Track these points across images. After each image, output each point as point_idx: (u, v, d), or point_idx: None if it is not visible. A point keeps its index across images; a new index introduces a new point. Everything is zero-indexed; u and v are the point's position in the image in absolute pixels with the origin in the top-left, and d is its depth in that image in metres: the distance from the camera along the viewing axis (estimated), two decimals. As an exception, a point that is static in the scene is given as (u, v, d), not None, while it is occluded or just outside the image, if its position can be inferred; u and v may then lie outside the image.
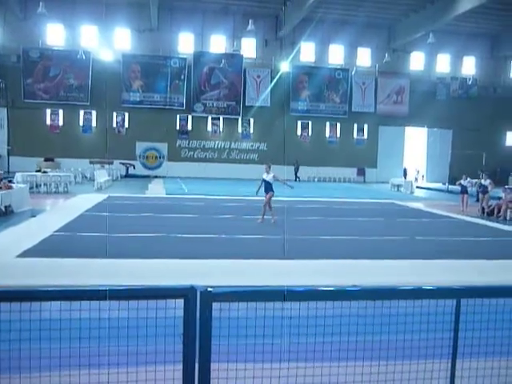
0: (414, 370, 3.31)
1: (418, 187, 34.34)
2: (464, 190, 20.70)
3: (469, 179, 21.31)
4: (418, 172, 43.70)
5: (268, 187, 14.59)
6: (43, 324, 2.93)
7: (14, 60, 36.80)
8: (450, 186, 32.48)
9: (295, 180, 38.52)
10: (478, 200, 21.11)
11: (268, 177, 14.64)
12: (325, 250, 10.93)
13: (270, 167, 14.83)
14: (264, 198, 14.77)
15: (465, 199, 20.51)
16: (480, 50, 43.80)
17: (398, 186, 32.86)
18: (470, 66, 44.62)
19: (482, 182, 20.11)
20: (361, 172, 42.93)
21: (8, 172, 29.41)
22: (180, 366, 2.92)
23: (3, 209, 15.10)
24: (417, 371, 3.31)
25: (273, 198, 14.81)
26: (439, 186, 36.28)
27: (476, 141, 40.85)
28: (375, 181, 41.85)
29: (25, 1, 36.35)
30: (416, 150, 44.70)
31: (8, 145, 33.44)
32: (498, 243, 13.04)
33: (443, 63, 44.13)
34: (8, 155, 33.29)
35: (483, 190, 19.77)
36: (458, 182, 21.35)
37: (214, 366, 2.93)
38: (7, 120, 33.08)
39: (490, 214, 19.09)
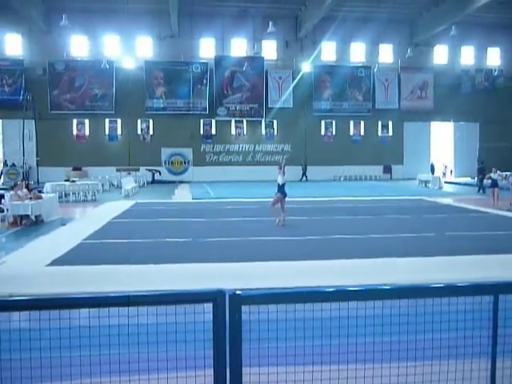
0: (453, 370, 3.19)
1: (446, 182, 33.76)
2: (494, 184, 20.26)
3: (499, 172, 20.85)
4: (446, 167, 42.98)
5: (279, 189, 14.40)
6: (72, 331, 2.93)
7: (40, 73, 37.50)
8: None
9: (301, 180, 38.39)
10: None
11: (280, 179, 14.43)
12: (353, 249, 10.79)
13: (282, 169, 14.58)
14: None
15: (495, 193, 20.07)
16: (504, 41, 42.79)
17: (426, 181, 32.35)
18: (494, 57, 43.67)
19: (513, 174, 19.65)
20: (387, 169, 42.42)
21: (38, 182, 29.95)
22: (211, 371, 2.88)
23: (34, 218, 15.36)
24: (455, 371, 3.19)
25: (294, 199, 14.65)
26: (468, 180, 35.59)
27: (504, 133, 39.96)
28: (402, 178, 41.28)
29: (48, 14, 37.00)
30: (443, 144, 43.96)
31: (37, 156, 34.00)
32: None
33: (467, 55, 43.31)
34: (37, 166, 33.86)
35: (514, 182, 19.33)
36: (487, 176, 20.87)
37: (245, 370, 2.88)
38: (35, 132, 33.65)
39: (522, 208, 18.64)
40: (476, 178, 29.14)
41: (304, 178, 39.08)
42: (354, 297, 3.04)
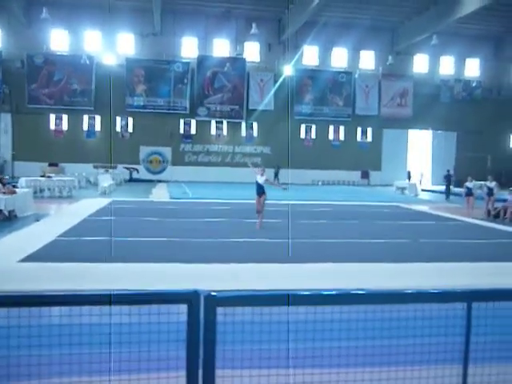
0: (425, 376, 3.22)
1: (422, 190, 34.18)
2: (469, 193, 20.56)
3: (474, 181, 21.17)
4: (423, 175, 43.54)
5: (260, 190, 14.44)
6: (44, 330, 2.86)
7: (19, 65, 36.90)
8: (455, 189, 32.29)
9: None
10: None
11: (261, 179, 14.47)
12: (329, 253, 10.83)
13: (264, 170, 14.69)
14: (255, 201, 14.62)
15: (470, 201, 20.37)
16: (484, 52, 43.64)
17: (403, 188, 32.70)
18: (473, 68, 44.47)
19: (488, 184, 19.96)
20: (365, 175, 42.83)
21: (12, 177, 29.46)
22: (184, 373, 2.84)
23: (7, 213, 15.08)
24: (427, 377, 3.21)
25: (270, 201, 14.73)
26: (444, 188, 36.01)
27: (480, 143, 40.70)
28: (379, 183, 41.71)
29: (28, 6, 36.45)
30: (420, 152, 44.54)
31: (12, 150, 33.51)
32: (505, 245, 12.90)
33: (447, 65, 44.00)
34: (12, 160, 33.36)
35: (489, 192, 19.64)
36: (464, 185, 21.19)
37: (218, 372, 2.85)
38: (11, 125, 33.15)
39: (496, 217, 18.97)
40: (445, 185, 30.33)
41: (276, 180, 39.11)
42: (328, 301, 3.03)
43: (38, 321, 2.80)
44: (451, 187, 29.91)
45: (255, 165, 15.17)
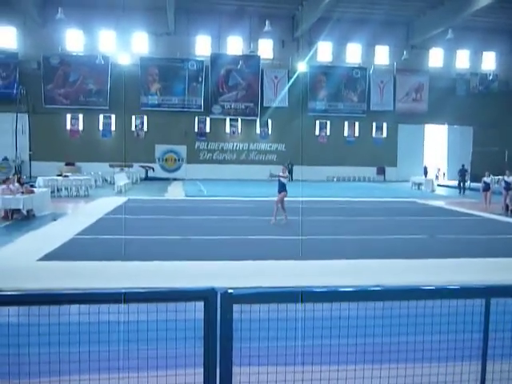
0: (443, 373, 3.19)
1: (439, 185, 33.88)
2: (487, 187, 20.34)
3: (491, 176, 20.93)
4: (439, 170, 43.14)
5: (281, 187, 14.60)
6: (63, 328, 2.90)
7: (35, 66, 37.26)
8: (471, 184, 31.97)
9: (289, 180, 38.29)
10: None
11: (282, 178, 14.77)
12: (345, 250, 10.80)
13: (285, 168, 15.08)
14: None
15: (488, 196, 20.16)
16: (500, 45, 43.04)
17: (419, 184, 32.43)
18: (490, 62, 43.87)
19: (506, 178, 19.72)
20: (380, 171, 42.55)
21: (30, 177, 29.79)
22: (201, 370, 2.86)
23: (25, 213, 15.27)
24: (445, 374, 3.19)
25: (289, 198, 14.93)
26: (457, 183, 35.66)
27: (497, 137, 40.13)
28: (395, 179, 41.41)
29: (43, 7, 36.77)
30: (436, 147, 44.11)
31: (30, 150, 33.85)
32: (524, 241, 12.74)
33: (463, 59, 43.48)
34: (30, 160, 33.70)
35: (507, 186, 19.40)
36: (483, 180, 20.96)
37: (235, 369, 2.86)
38: (28, 126, 33.47)
39: (514, 212, 18.74)
40: (458, 180, 30.58)
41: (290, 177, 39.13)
42: (345, 298, 3.03)
43: (57, 319, 2.83)
44: (466, 182, 29.79)
45: (272, 175, 15.62)
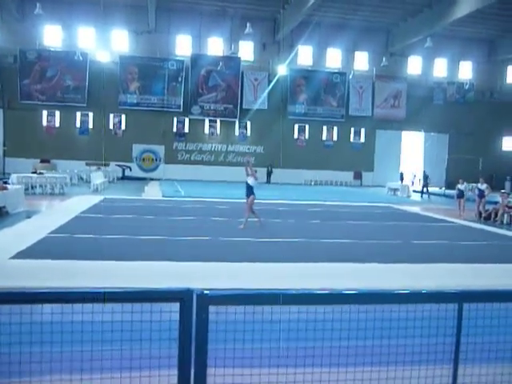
0: (416, 376, 3.23)
1: (414, 191, 34.33)
2: (461, 195, 20.68)
3: (465, 183, 21.29)
4: (415, 176, 43.71)
5: (248, 191, 14.30)
6: (35, 327, 2.85)
7: (11, 61, 36.66)
8: (446, 191, 32.51)
9: (267, 182, 38.64)
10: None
11: (250, 180, 14.40)
12: (320, 254, 10.85)
13: (255, 170, 14.67)
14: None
15: (461, 203, 20.49)
16: (477, 55, 43.91)
17: (395, 189, 32.81)
18: (466, 71, 44.68)
19: (479, 186, 20.08)
20: (357, 175, 42.95)
21: (3, 173, 29.28)
22: (175, 371, 2.84)
23: (-2, 210, 14.99)
24: (418, 377, 3.23)
25: (261, 201, 14.63)
26: (436, 190, 36.28)
27: (472, 145, 40.94)
28: (372, 184, 41.85)
29: (22, 1, 36.23)
30: (413, 154, 44.72)
31: (4, 146, 33.27)
32: (496, 247, 12.99)
33: (440, 67, 44.21)
34: (3, 156, 33.13)
35: (480, 194, 19.75)
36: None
37: (210, 370, 2.85)
38: (3, 121, 32.92)
39: (486, 219, 19.09)
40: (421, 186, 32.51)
41: (269, 181, 39.36)
42: (320, 300, 3.04)
43: (29, 318, 2.78)
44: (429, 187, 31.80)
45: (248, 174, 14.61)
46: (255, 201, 14.34)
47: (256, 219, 14.39)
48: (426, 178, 31.63)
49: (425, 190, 31.57)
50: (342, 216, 18.59)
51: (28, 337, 2.81)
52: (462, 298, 3.14)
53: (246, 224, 14.14)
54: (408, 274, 8.98)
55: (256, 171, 14.88)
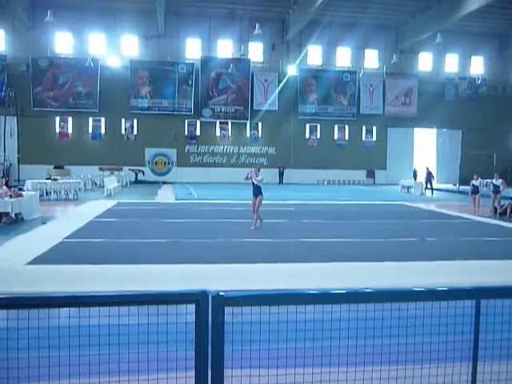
0: (434, 374, 3.20)
1: (428, 188, 34.06)
2: (475, 191, 20.49)
3: (480, 179, 21.09)
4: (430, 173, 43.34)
5: (257, 191, 14.31)
6: (53, 331, 2.87)
7: (23, 69, 37.01)
8: (460, 187, 32.23)
9: (279, 183, 38.76)
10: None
11: (256, 180, 14.39)
12: (335, 253, 10.81)
13: (259, 170, 14.65)
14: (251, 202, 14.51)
15: (476, 199, 20.30)
16: (488, 50, 43.49)
17: (408, 187, 32.61)
18: (478, 66, 44.28)
19: (494, 181, 19.87)
20: (370, 174, 42.74)
21: (18, 180, 29.56)
22: (192, 373, 2.84)
23: (14, 216, 15.13)
24: (436, 375, 3.20)
25: (275, 202, 14.63)
26: (450, 186, 36.00)
27: (486, 141, 40.53)
28: (385, 183, 41.63)
29: (33, 10, 36.60)
30: (426, 151, 44.40)
31: (18, 153, 33.57)
32: (512, 243, 12.85)
33: (451, 63, 43.85)
34: (18, 163, 33.42)
35: (495, 189, 19.55)
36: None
37: (227, 372, 2.85)
38: (17, 128, 33.23)
39: (502, 214, 18.87)
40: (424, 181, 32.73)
41: (281, 182, 39.41)
42: (337, 299, 3.03)
43: (46, 322, 2.81)
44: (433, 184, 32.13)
45: (247, 178, 14.59)
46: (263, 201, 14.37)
47: (258, 220, 14.32)
48: (429, 174, 31.87)
49: (428, 186, 31.54)
50: (356, 215, 18.51)
51: (45, 341, 2.83)
52: (479, 294, 3.11)
53: (256, 223, 14.14)
54: (424, 272, 8.90)
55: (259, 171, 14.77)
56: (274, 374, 3.05)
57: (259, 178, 14.16)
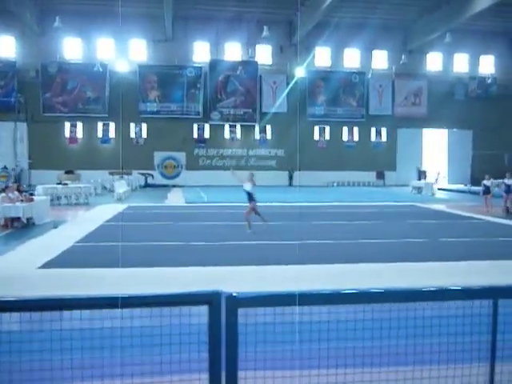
0: (451, 375, 3.15)
1: (439, 189, 33.87)
2: (487, 191, 20.33)
3: (491, 179, 20.92)
4: (439, 174, 43.09)
5: (249, 197, 14.15)
6: (65, 334, 2.85)
7: (33, 75, 37.29)
8: (472, 187, 31.99)
9: (289, 185, 38.68)
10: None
11: (247, 186, 14.23)
12: (348, 254, 10.75)
13: (252, 175, 14.55)
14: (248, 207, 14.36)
15: (488, 199, 20.14)
16: (498, 48, 43.11)
17: (419, 188, 32.42)
18: (488, 65, 43.94)
19: (506, 181, 19.70)
20: (380, 175, 42.53)
21: (29, 185, 29.76)
22: (206, 375, 2.81)
23: (25, 221, 15.22)
24: (454, 376, 3.15)
25: (283, 204, 14.60)
26: (461, 187, 35.75)
27: (497, 140, 40.19)
28: (395, 184, 41.40)
29: (41, 16, 36.85)
30: (436, 151, 44.08)
31: (29, 158, 33.83)
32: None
33: (461, 63, 43.56)
34: (29, 168, 33.68)
35: (507, 189, 19.38)
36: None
37: (241, 374, 2.81)
38: (27, 134, 33.51)
39: (514, 214, 18.71)
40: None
41: (291, 184, 39.40)
42: (352, 300, 2.98)
43: (59, 325, 2.79)
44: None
45: (234, 174, 14.48)
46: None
47: (247, 223, 14.17)
48: (419, 173, 31.89)
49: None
50: (366, 216, 18.41)
51: (58, 343, 2.81)
52: (496, 293, 3.05)
53: (248, 227, 13.98)
54: (438, 272, 8.82)
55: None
56: (288, 376, 3.02)
57: (248, 184, 14.00)
